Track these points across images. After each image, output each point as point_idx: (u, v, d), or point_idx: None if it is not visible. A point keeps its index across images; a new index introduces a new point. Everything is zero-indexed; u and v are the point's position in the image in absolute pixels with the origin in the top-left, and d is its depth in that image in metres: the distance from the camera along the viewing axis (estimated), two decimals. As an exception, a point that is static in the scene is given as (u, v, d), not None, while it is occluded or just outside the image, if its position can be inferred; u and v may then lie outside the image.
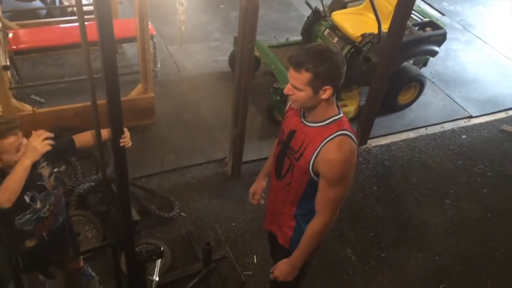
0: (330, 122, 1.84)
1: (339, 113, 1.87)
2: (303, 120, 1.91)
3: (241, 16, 2.91)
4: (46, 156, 2.16)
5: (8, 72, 3.65)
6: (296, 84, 1.76)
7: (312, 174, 1.88)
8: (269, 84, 4.41)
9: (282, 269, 2.10)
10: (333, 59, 1.73)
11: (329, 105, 1.84)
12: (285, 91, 1.82)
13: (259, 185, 2.38)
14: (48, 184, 2.17)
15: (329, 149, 1.80)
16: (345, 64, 1.77)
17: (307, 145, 1.86)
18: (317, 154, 1.82)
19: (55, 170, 2.23)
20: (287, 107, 2.07)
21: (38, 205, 2.15)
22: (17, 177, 1.87)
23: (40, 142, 1.88)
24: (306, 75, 1.72)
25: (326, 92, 1.76)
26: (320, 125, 1.85)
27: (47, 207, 2.19)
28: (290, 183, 2.00)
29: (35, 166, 2.08)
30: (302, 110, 1.92)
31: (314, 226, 1.96)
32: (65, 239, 2.39)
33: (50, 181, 2.19)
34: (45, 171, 2.16)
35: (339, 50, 4.21)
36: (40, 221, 2.20)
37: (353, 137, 1.85)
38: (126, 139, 1.88)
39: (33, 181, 2.08)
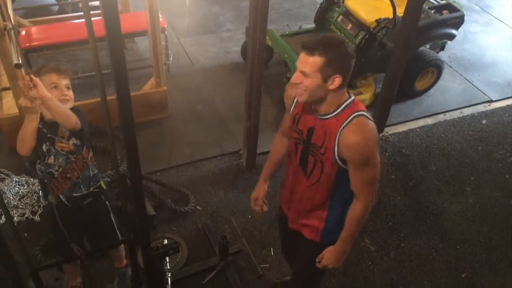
0: (345, 108, 1.83)
1: (350, 96, 1.85)
2: (317, 116, 1.89)
3: (252, 4, 2.85)
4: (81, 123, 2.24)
5: (23, 70, 3.66)
6: (306, 70, 1.72)
7: (339, 162, 1.86)
8: (282, 74, 4.36)
9: (330, 257, 2.09)
10: (346, 48, 1.73)
11: (339, 95, 1.82)
12: (293, 79, 1.78)
13: (260, 190, 2.29)
14: (60, 143, 2.22)
15: (348, 132, 1.79)
16: (354, 58, 1.76)
17: (328, 136, 1.85)
18: (338, 141, 1.81)
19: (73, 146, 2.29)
20: (291, 109, 2.03)
21: (51, 159, 2.22)
22: (24, 127, 1.99)
23: (24, 102, 1.96)
24: (318, 60, 1.69)
25: (335, 82, 1.74)
26: (336, 114, 1.83)
27: (57, 167, 2.24)
28: (318, 181, 1.98)
29: (57, 122, 2.18)
30: (313, 107, 1.88)
31: (355, 210, 1.94)
32: (87, 221, 2.44)
33: (67, 144, 2.23)
34: (64, 131, 2.21)
35: (353, 36, 4.14)
36: (51, 177, 2.26)
37: (368, 115, 1.84)
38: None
39: (51, 135, 2.19)
